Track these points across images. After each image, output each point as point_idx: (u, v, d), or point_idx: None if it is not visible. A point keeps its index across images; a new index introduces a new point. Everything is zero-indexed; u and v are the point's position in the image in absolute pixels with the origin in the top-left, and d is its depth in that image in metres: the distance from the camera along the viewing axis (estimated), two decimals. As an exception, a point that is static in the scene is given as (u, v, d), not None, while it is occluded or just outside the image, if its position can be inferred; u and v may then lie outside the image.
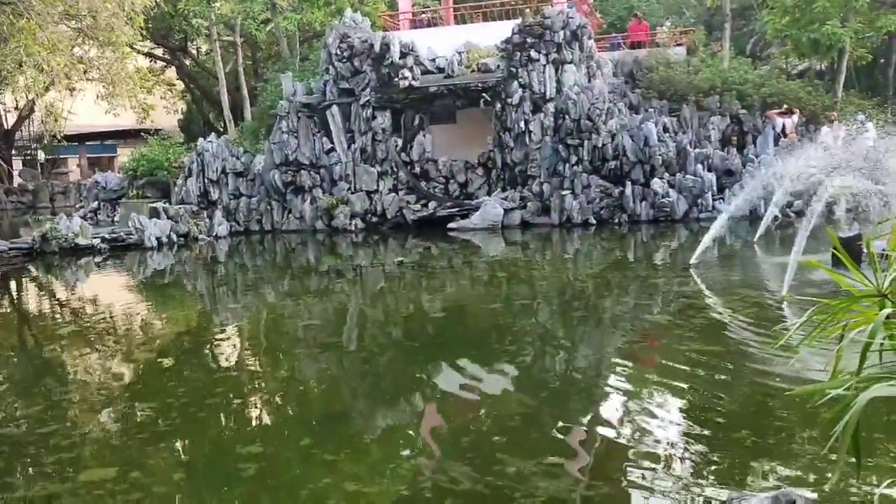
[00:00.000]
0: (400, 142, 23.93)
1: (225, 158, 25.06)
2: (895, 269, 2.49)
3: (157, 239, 21.97)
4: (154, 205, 23.57)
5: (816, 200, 12.28)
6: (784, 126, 22.71)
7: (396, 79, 23.10)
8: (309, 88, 25.02)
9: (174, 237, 22.45)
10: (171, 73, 47.17)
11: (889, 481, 2.90)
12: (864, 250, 2.73)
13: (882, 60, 32.02)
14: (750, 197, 16.10)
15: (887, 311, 2.21)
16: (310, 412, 7.28)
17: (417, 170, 23.81)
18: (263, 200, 24.64)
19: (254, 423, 7.08)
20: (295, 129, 24.45)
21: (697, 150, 22.04)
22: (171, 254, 21.01)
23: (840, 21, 25.49)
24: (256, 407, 7.59)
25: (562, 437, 6.11)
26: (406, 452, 6.10)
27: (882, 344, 2.37)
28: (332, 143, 24.22)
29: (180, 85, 48.09)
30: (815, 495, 3.13)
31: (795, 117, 22.94)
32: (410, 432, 6.60)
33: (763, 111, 23.14)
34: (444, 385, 7.92)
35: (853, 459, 2.24)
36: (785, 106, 23.17)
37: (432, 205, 23.25)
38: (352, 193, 23.81)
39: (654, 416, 6.49)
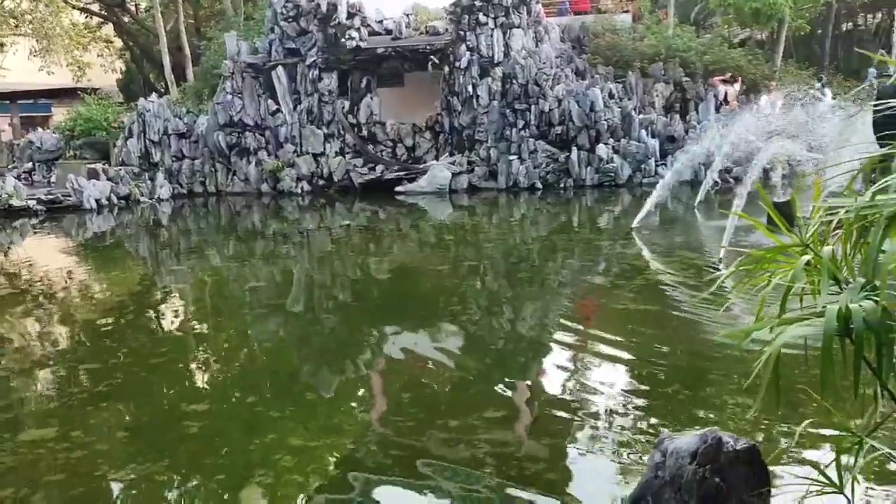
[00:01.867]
0: (347, 104, 23.67)
1: (167, 119, 24.42)
2: (816, 222, 2.61)
3: (97, 201, 21.39)
4: (93, 166, 22.90)
5: (754, 166, 12.66)
6: (725, 94, 23.18)
7: (344, 40, 22.77)
8: (254, 48, 24.47)
9: (114, 199, 21.89)
10: (109, 29, 45.38)
11: (808, 421, 3.10)
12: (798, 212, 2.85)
13: (819, 31, 32.82)
14: (691, 162, 16.46)
15: (806, 257, 2.34)
16: (255, 372, 7.29)
17: (365, 133, 23.62)
18: (207, 162, 24.16)
19: (198, 382, 7.06)
20: (239, 89, 23.95)
21: (642, 116, 22.37)
22: (112, 216, 20.51)
23: (781, -10, 25.98)
24: (201, 367, 7.55)
25: (506, 392, 6.26)
26: (352, 409, 6.18)
27: (803, 289, 2.51)
28: (277, 104, 23.81)
29: (118, 42, 46.35)
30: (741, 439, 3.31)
31: (737, 85, 23.43)
32: (356, 390, 6.67)
33: (706, 78, 23.56)
34: (390, 345, 8.00)
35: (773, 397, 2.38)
36: (728, 74, 23.63)
37: (380, 168, 23.15)
38: (298, 156, 23.52)
39: (595, 372, 6.69)
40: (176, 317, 9.86)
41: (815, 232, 2.56)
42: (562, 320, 8.72)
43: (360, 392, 6.65)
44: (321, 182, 23.39)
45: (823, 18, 32.20)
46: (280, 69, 23.64)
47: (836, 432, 3.22)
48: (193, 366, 7.61)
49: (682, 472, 2.79)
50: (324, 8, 22.95)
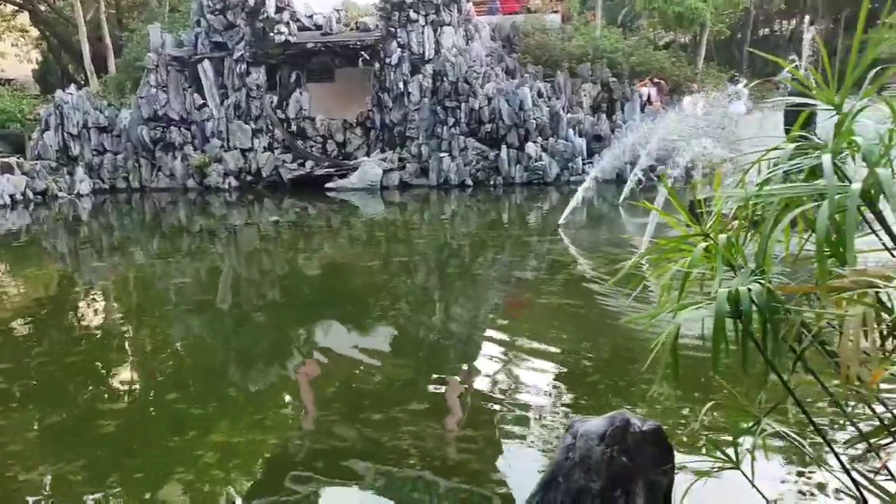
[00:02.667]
0: (276, 99, 23.36)
1: (87, 112, 23.60)
2: (716, 213, 2.75)
3: (11, 196, 20.54)
4: (6, 160, 21.95)
5: (675, 165, 13.08)
6: (650, 94, 23.82)
7: (272, 34, 22.47)
8: (179, 41, 23.89)
9: (30, 195, 21.06)
10: (24, 18, 43.56)
11: (711, 403, 3.26)
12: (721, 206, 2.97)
13: (738, 36, 34.03)
14: (616, 161, 16.86)
15: (703, 245, 2.46)
16: (178, 370, 7.14)
17: (294, 128, 23.36)
18: (130, 157, 23.47)
19: (117, 381, 6.88)
20: (164, 83, 23.35)
21: (570, 115, 22.79)
22: (27, 212, 19.72)
23: (702, -4, 26.87)
24: (120, 366, 7.36)
25: (434, 386, 6.32)
26: (277, 405, 6.13)
27: (703, 275, 2.65)
28: (203, 98, 23.32)
29: (35, 32, 44.53)
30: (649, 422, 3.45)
31: (661, 86, 24.11)
32: (282, 387, 6.62)
33: (631, 79, 24.16)
34: (318, 342, 7.97)
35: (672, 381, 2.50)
36: (655, 76, 24.29)
37: (309, 164, 22.93)
38: (225, 151, 23.09)
39: (521, 365, 6.81)
40: (95, 315, 9.57)
41: (716, 222, 2.69)
42: (491, 315, 8.84)
43: (287, 388, 6.60)
44: (249, 178, 23.02)
45: (742, 24, 33.42)
46: (206, 63, 23.15)
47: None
48: (112, 364, 7.40)
49: (591, 453, 2.90)
50: (251, 2, 22.58)
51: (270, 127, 23.21)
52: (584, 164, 21.84)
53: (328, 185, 22.00)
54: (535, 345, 7.33)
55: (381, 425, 5.30)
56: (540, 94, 22.69)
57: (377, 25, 22.76)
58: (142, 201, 21.65)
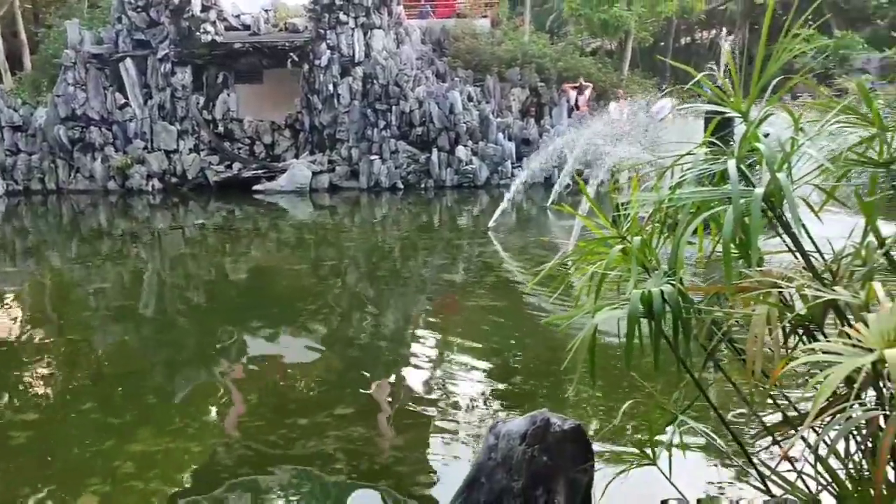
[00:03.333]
0: (202, 99, 22.81)
1: (0, 110, 22.57)
2: (632, 216, 2.82)
3: (-84, 198, 19.47)
4: (-89, 160, 20.81)
5: (601, 169, 13.37)
6: (577, 99, 24.27)
7: (198, 33, 21.95)
8: (99, 38, 23.10)
9: (-63, 197, 20.01)
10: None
11: (631, 401, 3.34)
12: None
13: (661, 43, 35.05)
14: (544, 165, 17.12)
15: (619, 247, 2.53)
16: (96, 378, 6.90)
17: (221, 129, 22.86)
18: (47, 158, 22.52)
19: (29, 391, 6.60)
20: (83, 81, 22.52)
21: (499, 119, 23.01)
22: (-66, 215, 18.74)
23: (626, 4, 27.58)
24: (33, 375, 7.06)
25: (362, 389, 6.28)
26: (200, 412, 5.99)
27: (621, 276, 2.72)
28: (125, 98, 22.59)
29: (-57, 26, 42.34)
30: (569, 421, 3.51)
31: (588, 92, 24.59)
32: (207, 393, 6.48)
33: (559, 84, 24.57)
34: (244, 347, 7.81)
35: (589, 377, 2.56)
36: (581, 81, 24.74)
37: (237, 166, 22.49)
38: (148, 152, 22.42)
39: (450, 367, 6.84)
40: (7, 322, 9.15)
41: (632, 225, 2.77)
42: (420, 317, 8.86)
43: (211, 394, 6.46)
44: (174, 180, 22.41)
45: (665, 32, 34.43)
46: (128, 61, 22.46)
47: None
48: (25, 374, 7.09)
49: (512, 453, 2.94)
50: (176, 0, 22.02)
51: (196, 128, 22.67)
52: (513, 167, 22.07)
53: (256, 187, 21.62)
54: (464, 346, 7.38)
55: (307, 430, 5.24)
56: (470, 98, 22.83)
57: (306, 27, 22.51)
58: (59, 203, 20.84)
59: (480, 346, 7.41)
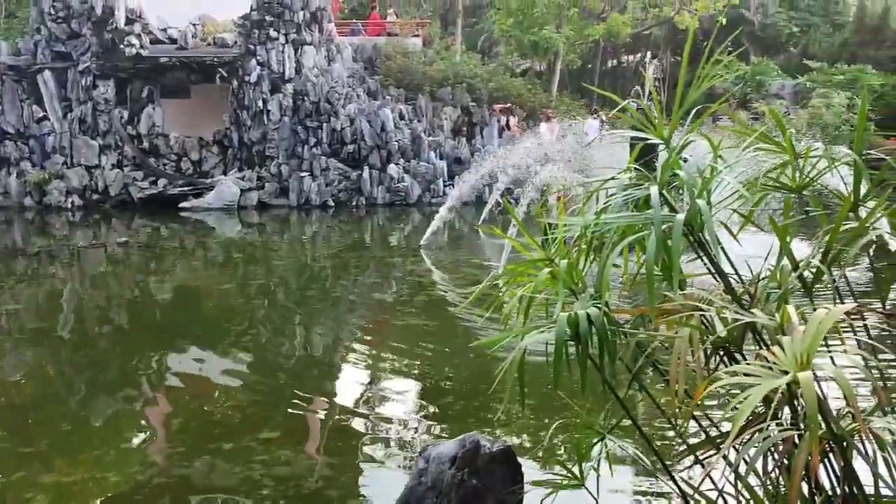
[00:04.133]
0: (126, 114, 22.17)
1: None
2: (559, 239, 2.85)
3: None
4: None
5: (531, 188, 13.57)
6: (508, 120, 24.62)
7: (122, 46, 21.38)
8: (15, 48, 22.25)
9: None
10: None
11: (560, 421, 3.37)
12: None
13: (589, 66, 35.94)
14: (476, 183, 17.25)
15: (546, 270, 2.56)
16: (6, 405, 6.57)
17: (146, 145, 22.25)
18: (-43, 172, 21.50)
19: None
20: (-2, 93, 21.62)
21: (431, 138, 23.14)
22: None
23: (555, 27, 28.21)
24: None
25: (291, 412, 6.16)
26: (119, 440, 5.76)
27: (548, 300, 2.74)
28: (44, 111, 21.78)
29: None
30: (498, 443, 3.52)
31: (518, 111, 24.98)
32: (127, 419, 6.24)
33: (490, 104, 24.88)
34: (169, 370, 7.58)
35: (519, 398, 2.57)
36: (506, 105, 25.12)
37: (162, 182, 21.91)
38: (68, 168, 21.63)
39: (381, 388, 6.78)
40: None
41: (560, 248, 2.80)
42: (351, 338, 8.76)
43: (132, 420, 6.23)
44: (95, 196, 21.66)
45: (593, 55, 35.31)
46: (47, 73, 21.68)
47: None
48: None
49: (442, 477, 2.92)
50: (98, 11, 21.40)
51: (120, 143, 22.00)
52: (444, 185, 22.18)
53: (182, 204, 21.09)
54: (395, 367, 7.34)
55: (232, 455, 5.10)
56: (402, 117, 22.88)
57: (236, 42, 22.19)
58: (-30, 221, 19.87)
59: (411, 366, 7.37)
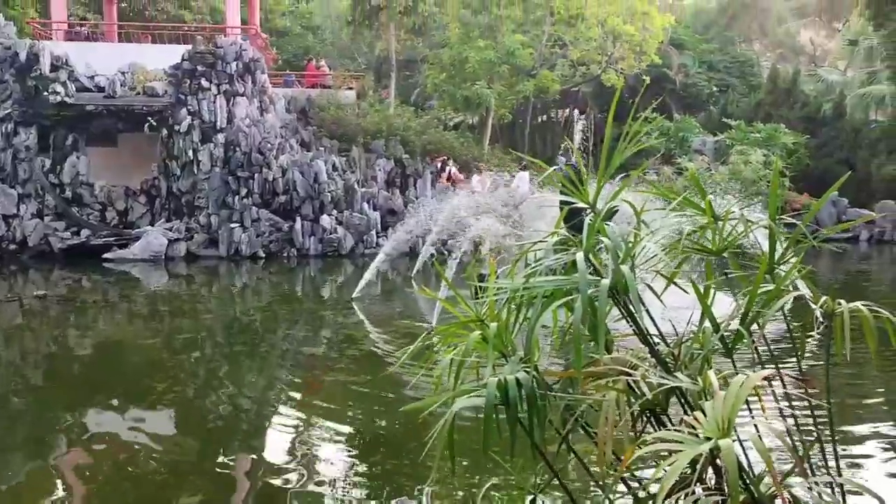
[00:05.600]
0: (48, 162, 21.50)
1: None
2: (489, 302, 2.87)
3: None
4: None
5: (463, 240, 13.68)
6: (450, 171, 24.93)
7: (46, 93, 20.87)
8: (-70, 93, 21.45)
9: None
10: None
11: (491, 482, 3.34)
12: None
13: (520, 120, 36.84)
14: (408, 235, 17.31)
15: (477, 332, 2.57)
16: None
17: (69, 194, 21.59)
18: None
19: None
20: (-90, 138, 20.74)
21: (364, 189, 23.19)
22: None
23: (487, 83, 28.90)
24: None
25: (217, 471, 5.94)
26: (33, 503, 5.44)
27: (478, 362, 2.74)
28: (-40, 158, 20.97)
29: None
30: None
31: (450, 164, 25.32)
32: (40, 482, 5.90)
33: (423, 157, 25.16)
34: (87, 428, 7.24)
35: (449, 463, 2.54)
36: (440, 158, 25.47)
37: (85, 233, 21.22)
38: (-17, 217, 20.78)
39: (311, 447, 6.62)
40: None
41: (490, 310, 2.82)
42: (280, 394, 8.56)
43: (46, 483, 5.89)
44: (12, 247, 20.82)
45: (524, 110, 36.23)
46: (-35, 119, 20.94)
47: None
48: None
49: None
50: (22, 57, 20.90)
51: (41, 192, 21.30)
52: (378, 236, 22.20)
53: (107, 255, 20.45)
54: (325, 425, 7.18)
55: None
56: (335, 168, 22.89)
57: (166, 91, 21.94)
58: None
59: (342, 424, 7.24)
